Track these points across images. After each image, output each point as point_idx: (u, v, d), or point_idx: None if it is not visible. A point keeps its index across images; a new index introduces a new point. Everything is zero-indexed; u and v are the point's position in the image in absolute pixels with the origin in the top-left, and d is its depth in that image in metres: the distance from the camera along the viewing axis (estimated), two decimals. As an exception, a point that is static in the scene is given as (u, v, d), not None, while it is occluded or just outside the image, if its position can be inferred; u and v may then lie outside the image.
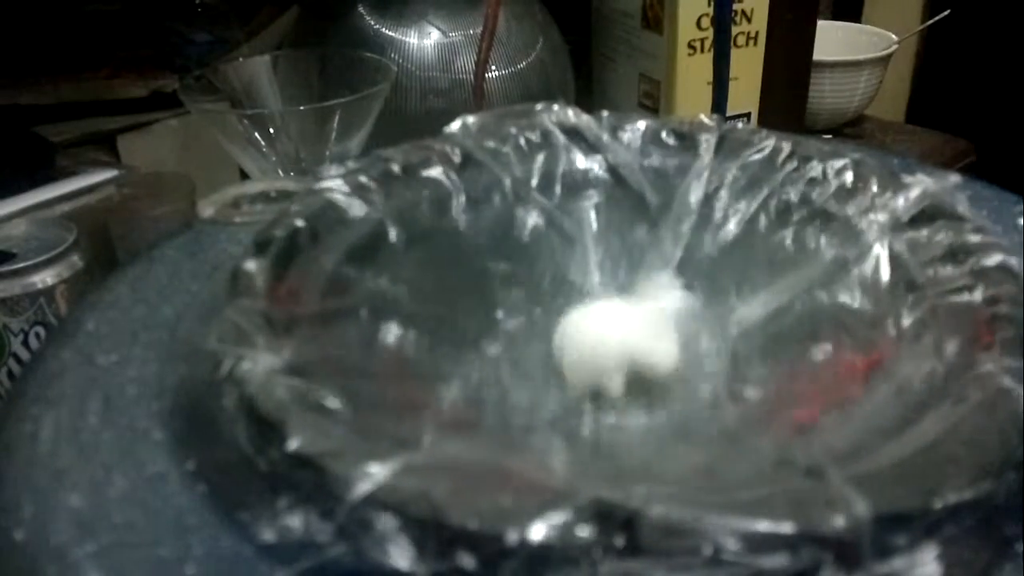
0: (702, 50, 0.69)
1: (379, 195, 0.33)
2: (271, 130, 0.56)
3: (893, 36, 0.96)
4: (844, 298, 0.32)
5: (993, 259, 0.29)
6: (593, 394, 0.31)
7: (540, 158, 0.37)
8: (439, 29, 0.66)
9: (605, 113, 0.38)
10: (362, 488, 0.20)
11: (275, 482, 0.22)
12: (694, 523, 0.19)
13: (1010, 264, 0.28)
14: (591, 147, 0.38)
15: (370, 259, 0.32)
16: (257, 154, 0.56)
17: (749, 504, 0.19)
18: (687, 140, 0.37)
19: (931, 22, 1.09)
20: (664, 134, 0.38)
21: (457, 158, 0.35)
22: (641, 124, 0.38)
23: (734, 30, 0.67)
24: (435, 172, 0.35)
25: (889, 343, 0.29)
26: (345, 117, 0.56)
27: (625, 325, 0.32)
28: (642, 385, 0.31)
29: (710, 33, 0.68)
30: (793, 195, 0.35)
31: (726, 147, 0.37)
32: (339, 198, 0.32)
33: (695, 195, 0.36)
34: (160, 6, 0.80)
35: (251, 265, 0.28)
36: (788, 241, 0.35)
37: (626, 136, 0.38)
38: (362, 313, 0.29)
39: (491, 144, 0.36)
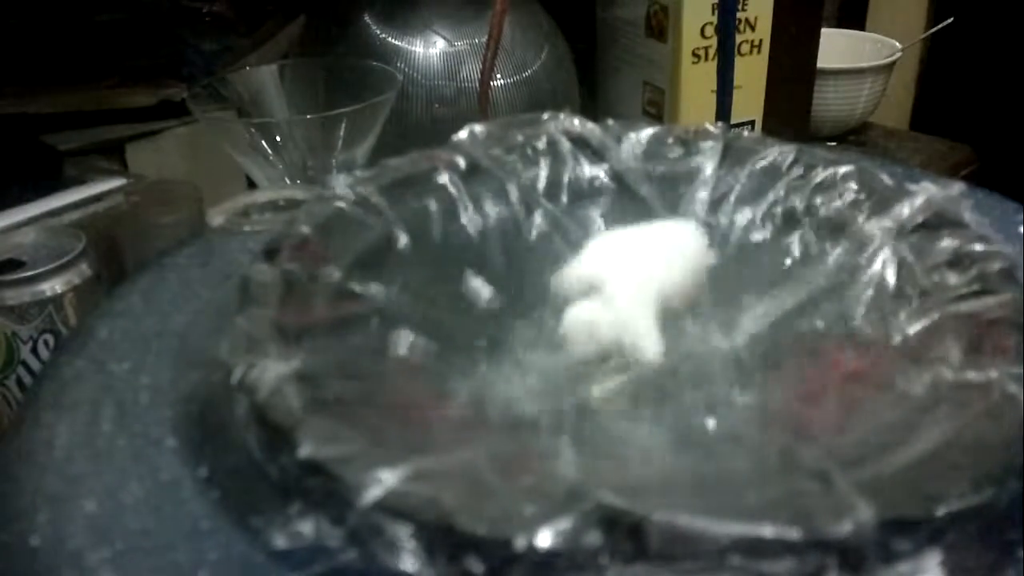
0: (706, 58, 0.70)
1: (387, 203, 0.33)
2: (278, 138, 0.56)
3: (897, 44, 0.96)
4: (849, 304, 0.32)
5: (996, 266, 0.29)
6: (600, 396, 0.31)
7: (546, 166, 0.37)
8: (444, 38, 0.66)
9: (611, 121, 0.39)
10: (372, 494, 0.20)
11: (286, 488, 0.22)
12: (700, 529, 0.19)
13: (1013, 272, 0.29)
14: (597, 155, 0.38)
15: (379, 267, 0.32)
16: (264, 162, 0.57)
17: (754, 509, 0.20)
18: (692, 148, 0.38)
19: (935, 30, 1.09)
20: (669, 142, 0.38)
21: (464, 166, 0.36)
22: (647, 132, 0.38)
23: (738, 38, 0.68)
24: (442, 180, 0.35)
25: (893, 349, 0.29)
26: (351, 126, 0.56)
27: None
28: (647, 389, 0.31)
29: (714, 41, 0.68)
30: (798, 202, 0.35)
31: (731, 155, 0.37)
32: (347, 207, 0.33)
33: (700, 202, 0.36)
34: (168, 15, 0.80)
35: (261, 274, 0.28)
36: (793, 248, 0.35)
37: (632, 144, 0.38)
38: (371, 320, 0.30)
39: (497, 152, 0.37)
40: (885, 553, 0.19)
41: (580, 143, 0.38)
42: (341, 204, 0.33)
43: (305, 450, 0.21)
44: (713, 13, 0.68)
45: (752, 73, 0.73)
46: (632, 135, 0.38)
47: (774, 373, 0.31)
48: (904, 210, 0.33)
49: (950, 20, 1.04)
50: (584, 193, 0.37)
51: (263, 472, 0.23)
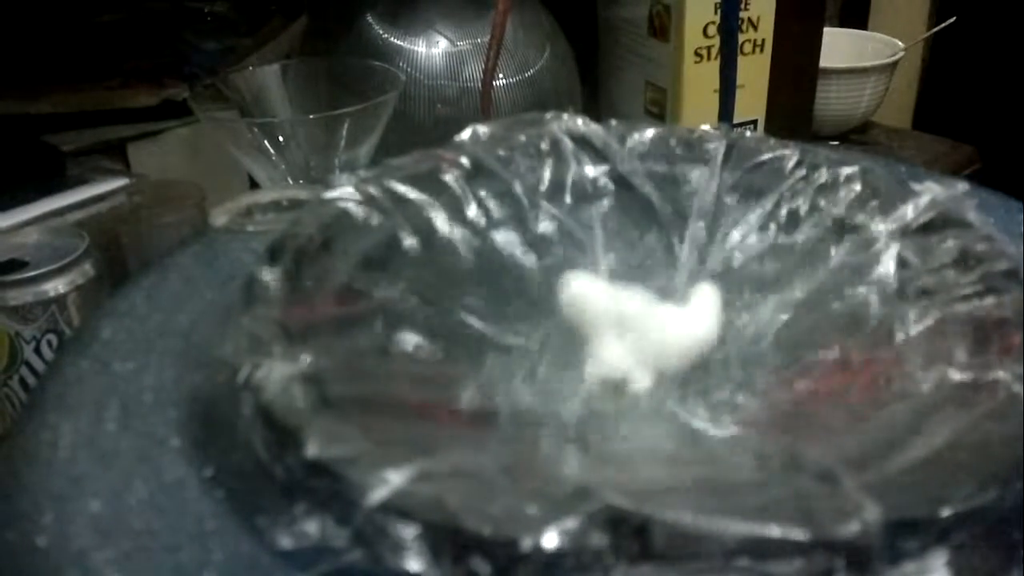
0: (708, 58, 0.70)
1: (390, 203, 0.33)
2: (280, 138, 0.56)
3: (899, 43, 0.96)
4: (853, 304, 0.32)
5: (1001, 266, 0.29)
6: (605, 396, 0.31)
7: (549, 166, 0.37)
8: (447, 38, 0.66)
9: (613, 122, 0.39)
10: (378, 494, 0.20)
11: (292, 488, 0.22)
12: (706, 529, 0.19)
13: (1017, 271, 0.29)
14: (600, 155, 0.38)
15: (382, 267, 0.32)
16: (267, 162, 0.56)
17: (761, 509, 0.20)
18: (695, 148, 0.38)
19: (937, 29, 1.09)
20: (672, 142, 0.38)
21: (467, 166, 0.36)
22: (649, 132, 0.38)
23: (740, 38, 0.68)
24: (445, 180, 0.35)
25: (898, 349, 0.29)
26: (354, 126, 0.56)
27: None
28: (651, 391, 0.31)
29: (716, 41, 0.68)
30: (802, 202, 0.35)
31: (734, 155, 0.37)
32: (351, 207, 0.33)
33: (704, 203, 0.36)
34: (170, 16, 0.80)
35: (265, 274, 0.28)
36: (797, 248, 0.35)
37: (634, 144, 0.38)
38: (376, 320, 0.30)
39: (501, 152, 0.37)
40: (891, 553, 0.19)
41: (583, 143, 0.38)
42: (344, 204, 0.33)
43: (311, 450, 0.21)
44: (715, 12, 0.68)
45: (754, 73, 0.72)
46: (635, 135, 0.38)
47: (779, 374, 0.31)
48: (908, 210, 0.33)
49: (952, 19, 1.04)
50: (587, 193, 0.37)
51: (268, 472, 0.23)
